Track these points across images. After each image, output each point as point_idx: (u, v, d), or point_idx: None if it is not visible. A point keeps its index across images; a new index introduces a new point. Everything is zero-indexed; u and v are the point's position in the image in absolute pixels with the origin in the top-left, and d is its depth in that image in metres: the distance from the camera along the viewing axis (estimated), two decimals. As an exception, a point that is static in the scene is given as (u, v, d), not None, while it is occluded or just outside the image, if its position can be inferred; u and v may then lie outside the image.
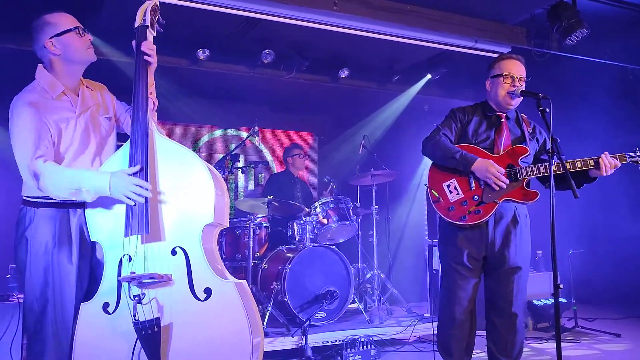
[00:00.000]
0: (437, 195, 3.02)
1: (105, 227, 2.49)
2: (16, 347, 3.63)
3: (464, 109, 3.17)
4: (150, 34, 2.61)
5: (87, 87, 2.66)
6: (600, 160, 2.89)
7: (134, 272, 2.37)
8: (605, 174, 2.91)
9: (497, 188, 2.91)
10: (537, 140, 3.16)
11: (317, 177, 7.48)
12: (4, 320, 3.65)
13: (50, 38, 2.48)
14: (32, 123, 2.39)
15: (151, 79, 2.63)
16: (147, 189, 2.35)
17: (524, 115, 3.19)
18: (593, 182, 3.03)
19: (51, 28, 2.49)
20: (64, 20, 2.53)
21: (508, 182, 2.91)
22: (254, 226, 4.99)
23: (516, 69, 3.07)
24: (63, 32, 2.50)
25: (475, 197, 2.96)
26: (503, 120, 3.09)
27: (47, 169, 2.35)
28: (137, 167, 2.38)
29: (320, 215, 5.07)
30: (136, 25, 2.59)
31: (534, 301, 5.30)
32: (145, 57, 2.54)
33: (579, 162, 2.93)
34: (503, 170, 2.91)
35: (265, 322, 4.33)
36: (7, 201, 4.55)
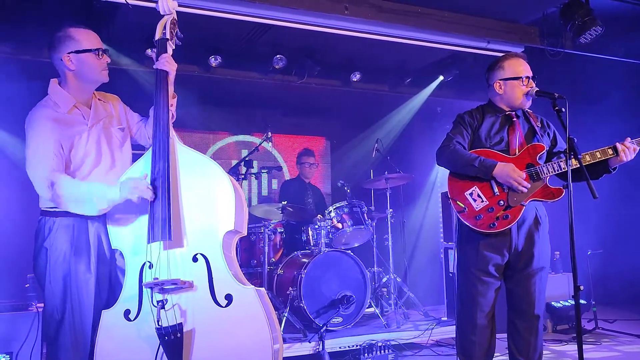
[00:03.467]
0: (462, 205, 2.93)
1: (127, 234, 2.52)
2: (35, 356, 3.66)
3: (471, 113, 3.10)
4: (170, 47, 2.67)
5: (99, 99, 2.70)
6: (617, 145, 2.85)
7: (157, 278, 2.39)
8: (626, 159, 2.86)
9: (523, 191, 2.86)
10: (549, 135, 3.11)
11: (330, 181, 7.47)
12: (23, 329, 3.69)
13: (69, 53, 2.52)
14: (46, 138, 2.44)
15: (171, 90, 2.66)
16: (149, 194, 2.40)
17: (529, 110, 3.13)
18: (613, 172, 2.96)
19: (72, 44, 2.53)
20: (87, 39, 2.56)
21: (529, 185, 2.85)
22: (269, 232, 4.99)
23: (528, 68, 3.04)
24: (83, 51, 2.53)
25: (501, 202, 2.89)
26: (515, 119, 3.04)
27: (62, 181, 2.40)
28: (147, 180, 2.45)
29: (334, 220, 5.06)
30: (156, 38, 2.66)
31: (553, 303, 5.24)
32: (163, 65, 2.59)
33: (598, 153, 2.88)
34: (524, 175, 2.86)
35: (282, 328, 4.32)
36: (24, 213, 4.60)
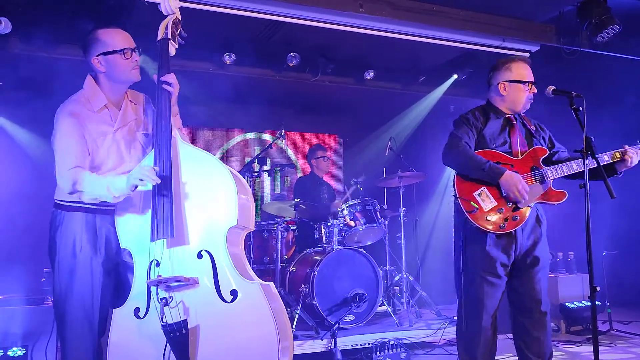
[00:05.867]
0: (475, 205, 2.92)
1: (133, 233, 2.55)
2: (51, 350, 3.70)
3: (473, 113, 3.13)
4: (172, 47, 2.68)
5: (131, 100, 2.72)
6: (626, 156, 2.90)
7: (160, 276, 2.41)
8: (631, 165, 2.92)
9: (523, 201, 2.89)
10: (544, 138, 3.16)
11: (342, 179, 7.46)
12: (39, 324, 3.73)
13: (97, 55, 2.55)
14: (72, 133, 2.47)
15: (175, 109, 2.65)
16: (155, 177, 2.39)
17: (522, 114, 3.18)
18: (620, 175, 2.99)
19: (100, 46, 2.56)
20: (114, 40, 2.58)
21: (527, 199, 2.88)
22: (282, 229, 5.00)
23: (532, 74, 3.11)
24: (109, 52, 2.55)
25: (510, 203, 2.91)
26: (515, 122, 3.09)
27: (83, 176, 2.43)
28: (155, 168, 2.44)
29: (347, 218, 5.06)
30: (158, 38, 2.68)
31: (567, 304, 5.20)
32: (165, 87, 2.59)
33: (605, 156, 2.92)
34: (528, 189, 2.88)
35: (294, 325, 4.33)
36: (40, 207, 4.64)
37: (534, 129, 3.14)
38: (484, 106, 3.17)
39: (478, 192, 2.95)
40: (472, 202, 2.94)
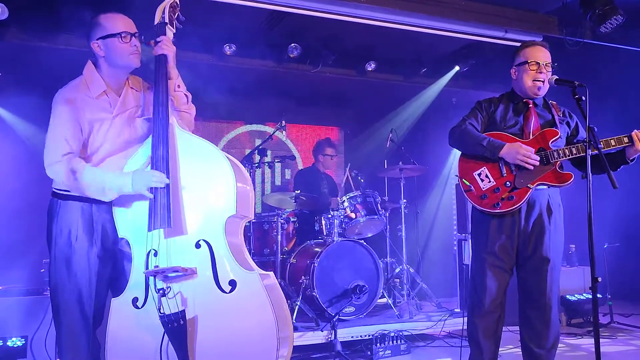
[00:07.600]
0: (468, 184, 2.98)
1: (131, 223, 2.53)
2: (50, 340, 3.70)
3: (490, 100, 3.14)
4: (170, 31, 2.65)
5: (131, 87, 2.69)
6: (633, 135, 2.82)
7: (157, 266, 2.40)
8: None
9: (531, 168, 2.85)
10: (568, 124, 3.10)
11: (343, 171, 7.43)
12: (38, 314, 3.72)
13: (97, 39, 2.54)
14: (66, 121, 2.45)
15: (175, 72, 2.66)
16: (164, 180, 2.41)
17: (553, 102, 3.13)
18: (631, 162, 2.92)
19: (99, 30, 2.55)
20: (114, 23, 2.56)
21: (539, 158, 2.85)
22: (282, 221, 4.99)
23: (541, 55, 3.00)
24: (107, 36, 2.54)
25: (508, 183, 2.92)
26: (530, 105, 3.04)
27: (75, 166, 2.41)
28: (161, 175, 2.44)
29: (348, 210, 5.04)
30: (155, 22, 2.65)
31: (568, 296, 5.19)
32: (161, 49, 2.59)
33: (612, 140, 2.83)
34: (532, 150, 2.86)
35: (294, 317, 4.32)
36: (39, 198, 4.63)
37: (561, 115, 3.07)
38: (504, 93, 3.17)
39: (478, 171, 2.99)
40: (465, 180, 2.99)
